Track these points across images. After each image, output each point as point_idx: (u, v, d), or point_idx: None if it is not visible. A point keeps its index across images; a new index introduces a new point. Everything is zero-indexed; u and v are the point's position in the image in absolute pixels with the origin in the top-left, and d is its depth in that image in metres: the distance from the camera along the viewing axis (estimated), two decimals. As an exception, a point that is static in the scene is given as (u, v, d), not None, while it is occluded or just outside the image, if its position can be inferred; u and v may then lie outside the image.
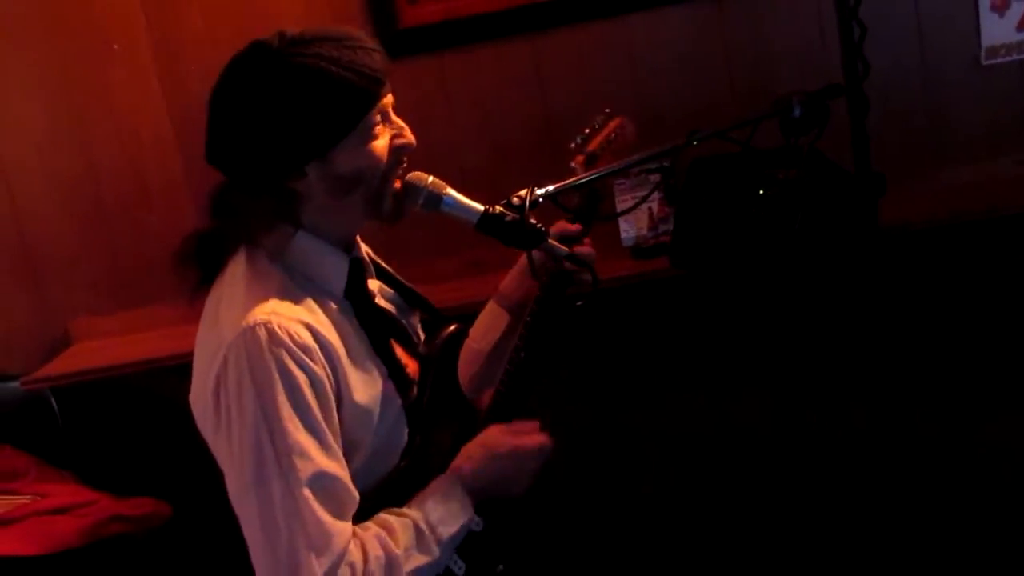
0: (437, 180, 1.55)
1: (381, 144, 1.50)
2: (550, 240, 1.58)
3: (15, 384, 3.01)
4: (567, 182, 1.71)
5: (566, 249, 1.61)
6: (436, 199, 1.54)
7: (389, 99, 1.51)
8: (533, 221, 1.56)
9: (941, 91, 2.87)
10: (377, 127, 1.49)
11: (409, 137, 1.54)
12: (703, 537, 2.83)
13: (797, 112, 2.05)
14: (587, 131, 1.87)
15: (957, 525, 2.62)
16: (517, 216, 1.55)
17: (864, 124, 2.25)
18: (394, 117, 1.53)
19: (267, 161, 1.46)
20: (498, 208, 1.56)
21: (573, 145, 1.85)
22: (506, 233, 1.55)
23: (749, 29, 2.89)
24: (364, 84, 1.44)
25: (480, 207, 1.55)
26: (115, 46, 3.02)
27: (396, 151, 1.52)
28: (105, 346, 3.12)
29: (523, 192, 1.59)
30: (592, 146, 1.85)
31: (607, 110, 1.94)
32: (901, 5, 2.84)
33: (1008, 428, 2.73)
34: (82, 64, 3.03)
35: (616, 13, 2.91)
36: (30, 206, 3.14)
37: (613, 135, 1.89)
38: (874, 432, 2.56)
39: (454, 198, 1.55)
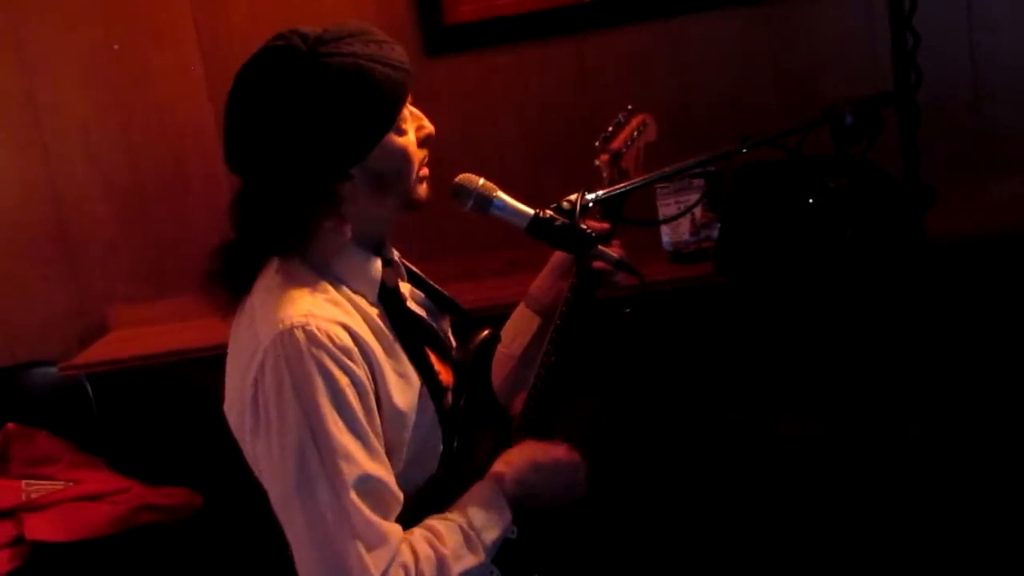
0: (488, 183, 1.54)
1: (412, 137, 1.49)
2: (600, 247, 1.56)
3: (52, 370, 3.03)
4: (618, 187, 1.70)
5: (615, 255, 1.59)
6: (486, 202, 1.53)
7: None
8: (583, 227, 1.55)
9: (991, 103, 2.83)
10: (406, 122, 1.48)
11: (429, 126, 1.53)
12: (741, 553, 2.80)
13: (849, 120, 2.02)
14: (610, 128, 1.86)
15: (1009, 543, 2.58)
16: (567, 221, 1.53)
17: (915, 134, 2.21)
18: (412, 108, 1.52)
19: (312, 167, 1.42)
20: (548, 212, 1.54)
21: (597, 143, 1.83)
22: (556, 237, 1.54)
23: (798, 34, 2.86)
24: (399, 78, 1.42)
25: (530, 211, 1.54)
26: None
27: (423, 142, 1.51)
28: (142, 334, 3.12)
29: (573, 196, 1.57)
30: (616, 143, 1.83)
31: (629, 107, 1.92)
32: (953, 15, 2.80)
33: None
34: (127, 51, 3.04)
35: (663, 15, 2.88)
36: (71, 192, 3.15)
37: (636, 132, 1.87)
38: (922, 449, 2.52)
39: (504, 201, 1.54)
